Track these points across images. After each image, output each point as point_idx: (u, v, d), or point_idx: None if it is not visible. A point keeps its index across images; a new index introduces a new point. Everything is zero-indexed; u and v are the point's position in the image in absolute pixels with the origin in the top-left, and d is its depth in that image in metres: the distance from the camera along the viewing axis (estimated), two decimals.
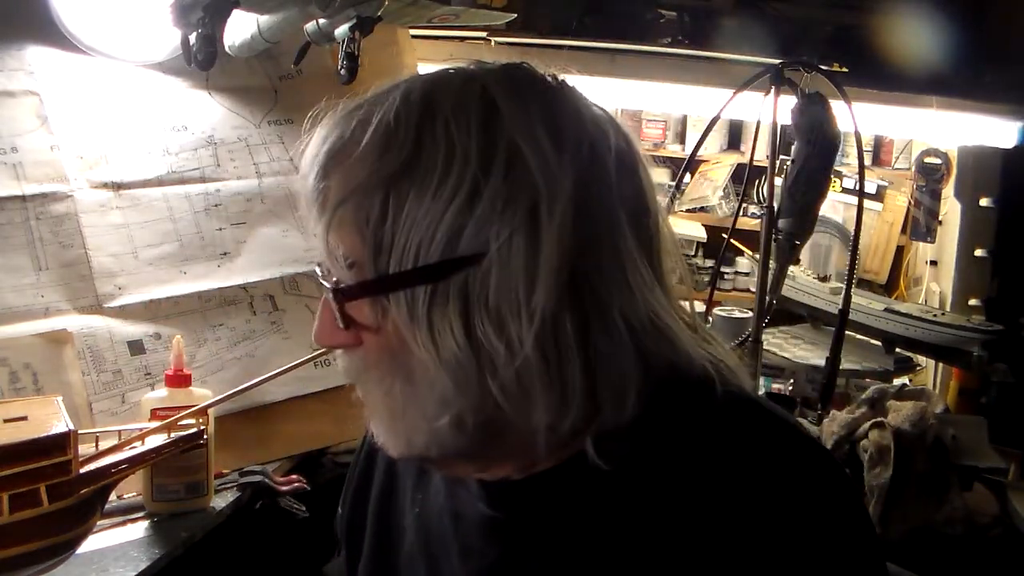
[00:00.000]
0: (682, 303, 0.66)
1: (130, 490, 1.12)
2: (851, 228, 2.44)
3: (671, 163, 3.18)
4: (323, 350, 1.27)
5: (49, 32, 1.28)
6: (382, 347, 0.61)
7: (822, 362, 1.62)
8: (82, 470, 0.89)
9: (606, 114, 0.64)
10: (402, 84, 0.62)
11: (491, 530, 0.66)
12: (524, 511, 0.65)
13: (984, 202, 2.16)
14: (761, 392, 1.68)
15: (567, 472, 0.62)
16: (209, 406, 1.07)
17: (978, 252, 2.17)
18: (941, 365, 2.14)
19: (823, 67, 1.56)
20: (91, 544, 0.97)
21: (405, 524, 0.75)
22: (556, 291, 0.55)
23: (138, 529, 1.07)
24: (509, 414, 0.58)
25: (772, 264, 1.50)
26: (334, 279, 0.62)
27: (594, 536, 0.61)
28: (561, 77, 0.65)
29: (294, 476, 1.24)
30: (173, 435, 1.01)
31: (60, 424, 0.88)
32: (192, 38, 1.24)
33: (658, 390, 0.60)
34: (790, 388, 1.96)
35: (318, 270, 0.64)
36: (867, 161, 2.77)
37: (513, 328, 0.56)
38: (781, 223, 1.48)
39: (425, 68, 1.66)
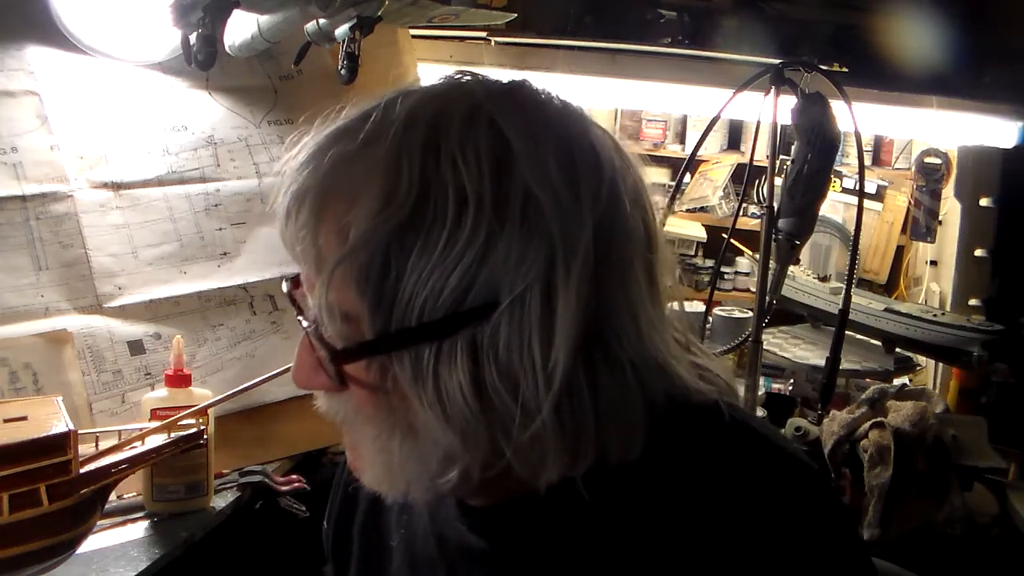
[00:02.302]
0: (672, 305, 0.63)
1: (130, 490, 1.12)
2: (851, 228, 2.44)
3: (671, 163, 3.21)
4: None
5: (49, 32, 1.28)
6: (380, 403, 0.56)
7: (822, 362, 1.62)
8: (82, 470, 0.89)
9: (607, 135, 0.59)
10: (400, 108, 0.55)
11: (476, 556, 0.65)
12: (509, 537, 0.63)
13: (984, 202, 2.15)
14: (761, 392, 1.68)
15: (554, 499, 0.59)
16: (209, 406, 1.07)
17: (978, 252, 2.16)
18: (941, 365, 2.14)
19: (823, 67, 1.56)
20: (91, 544, 0.97)
21: (391, 544, 0.73)
22: (574, 348, 0.51)
23: (138, 529, 1.07)
24: (522, 471, 0.55)
25: (772, 264, 1.50)
26: (328, 337, 0.56)
27: (580, 565, 0.60)
28: (564, 99, 0.59)
29: (294, 476, 1.24)
30: (173, 435, 1.02)
31: (60, 424, 0.88)
32: (192, 38, 1.24)
33: (655, 424, 0.57)
34: (790, 388, 1.96)
35: (303, 322, 0.57)
36: (867, 161, 2.78)
37: (528, 388, 0.52)
38: (781, 223, 1.48)
39: (425, 68, 1.67)
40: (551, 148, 0.53)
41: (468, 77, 0.59)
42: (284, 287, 0.61)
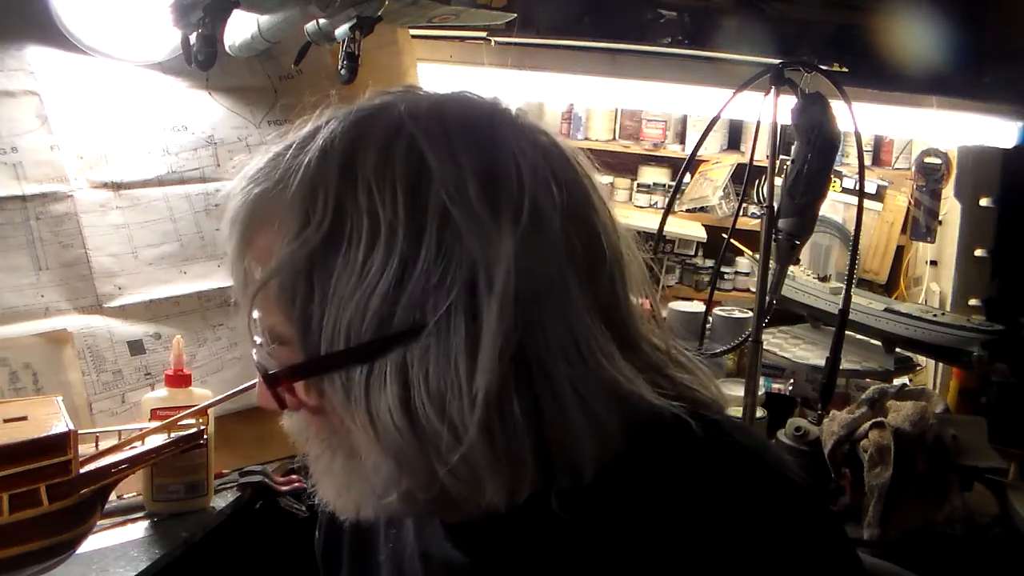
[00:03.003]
0: (652, 318, 0.62)
1: (130, 490, 1.12)
2: (851, 228, 2.44)
3: (671, 163, 3.21)
4: None
5: (49, 32, 1.28)
6: (322, 423, 0.58)
7: (822, 362, 1.62)
8: (82, 470, 0.89)
9: (551, 143, 0.58)
10: (322, 133, 0.56)
11: (458, 572, 0.64)
12: (490, 554, 0.63)
13: (984, 202, 2.15)
14: (761, 392, 1.68)
15: (528, 515, 0.58)
16: (209, 406, 1.07)
17: (978, 252, 2.16)
18: (941, 365, 2.14)
19: (823, 67, 1.56)
20: (91, 544, 0.97)
21: (380, 560, 0.73)
22: (499, 370, 0.51)
23: (138, 529, 1.07)
24: (459, 494, 0.55)
25: (772, 264, 1.50)
26: (264, 360, 0.57)
27: None
28: (504, 105, 0.59)
29: (294, 476, 1.24)
30: (173, 435, 1.02)
31: (60, 424, 0.88)
32: (192, 38, 1.24)
33: (623, 442, 0.56)
34: (790, 388, 1.96)
35: (251, 347, 0.59)
36: (867, 161, 2.78)
37: (455, 410, 0.51)
38: (781, 223, 1.48)
39: (425, 68, 1.67)
40: (471, 166, 0.53)
41: (402, 93, 0.59)
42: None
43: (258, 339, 0.57)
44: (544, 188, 0.55)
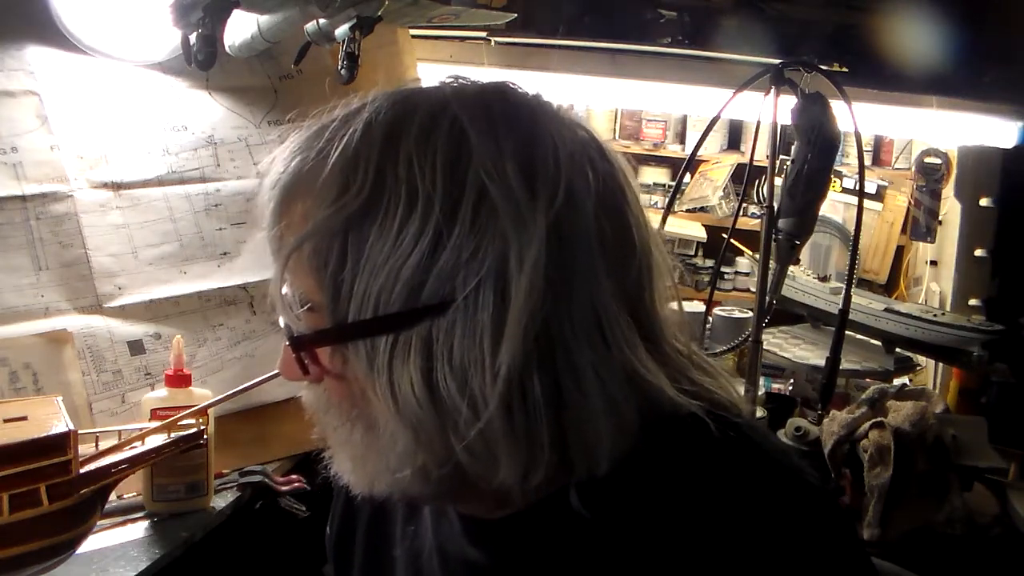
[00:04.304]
0: (670, 311, 0.62)
1: (130, 490, 1.12)
2: (851, 228, 2.44)
3: (671, 163, 3.21)
4: None
5: (49, 32, 1.28)
6: (343, 392, 0.58)
7: (822, 362, 1.62)
8: (82, 470, 0.89)
9: (591, 138, 0.59)
10: (368, 108, 0.57)
11: (476, 570, 0.64)
12: (506, 552, 0.63)
13: (984, 202, 2.15)
14: (761, 392, 1.68)
15: (546, 512, 0.59)
16: (209, 406, 1.07)
17: (978, 252, 2.16)
18: (941, 365, 2.14)
19: (823, 67, 1.56)
20: (91, 544, 0.97)
21: (395, 555, 0.73)
22: (523, 348, 0.52)
23: (138, 529, 1.07)
24: (474, 471, 0.55)
25: (772, 264, 1.50)
26: (292, 325, 0.58)
27: None
28: (544, 99, 0.60)
29: (294, 476, 1.24)
30: (173, 435, 1.02)
31: (60, 424, 0.88)
32: (192, 38, 1.24)
33: (642, 436, 0.57)
34: (790, 388, 1.96)
35: (279, 312, 0.60)
36: (867, 161, 2.78)
37: (476, 386, 0.52)
38: (781, 223, 1.48)
39: (425, 68, 1.67)
40: (511, 147, 0.54)
41: (448, 80, 0.61)
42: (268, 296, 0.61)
43: (287, 304, 0.58)
44: (580, 175, 0.56)
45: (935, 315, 2.00)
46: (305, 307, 0.57)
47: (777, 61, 1.52)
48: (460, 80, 0.61)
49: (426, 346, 0.53)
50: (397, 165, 0.53)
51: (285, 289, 0.57)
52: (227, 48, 1.34)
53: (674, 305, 0.63)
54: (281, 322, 0.59)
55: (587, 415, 0.54)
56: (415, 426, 0.54)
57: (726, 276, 3.07)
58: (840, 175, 2.72)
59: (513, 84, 0.61)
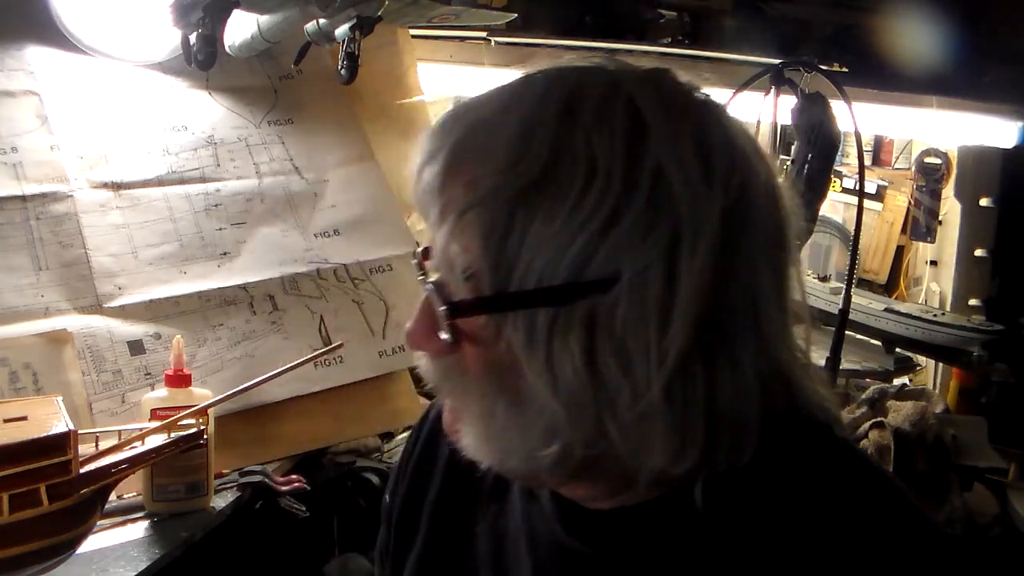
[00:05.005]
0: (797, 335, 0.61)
1: (130, 490, 1.12)
2: (851, 228, 2.44)
3: None
4: (323, 350, 1.28)
5: (49, 32, 1.28)
6: (489, 363, 0.56)
7: (822, 362, 1.62)
8: (82, 470, 0.89)
9: (748, 135, 0.58)
10: (540, 79, 0.57)
11: (570, 558, 0.63)
12: (611, 544, 0.61)
13: (984, 202, 2.16)
14: None
15: (661, 509, 0.58)
16: (209, 406, 1.07)
17: (978, 252, 2.17)
18: (941, 365, 2.14)
19: (823, 67, 1.56)
20: (91, 544, 0.97)
21: (478, 531, 0.71)
22: (690, 333, 0.51)
23: (138, 529, 1.07)
24: (621, 453, 0.54)
25: None
26: (447, 290, 0.56)
27: None
28: (706, 91, 0.59)
29: (294, 476, 1.24)
30: (173, 435, 1.01)
31: (60, 424, 0.88)
32: (192, 38, 1.24)
33: (773, 435, 0.56)
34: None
35: (424, 281, 0.58)
36: (867, 161, 2.77)
37: (640, 367, 0.51)
38: None
39: (425, 68, 1.67)
40: (687, 132, 0.53)
41: (610, 60, 0.59)
42: (414, 257, 0.61)
43: (445, 270, 0.56)
44: (751, 166, 0.55)
45: (935, 315, 2.00)
46: (467, 272, 0.54)
47: (777, 61, 1.52)
48: (616, 60, 0.59)
49: (589, 323, 0.51)
50: (574, 137, 0.52)
51: (450, 254, 0.55)
52: (227, 48, 1.34)
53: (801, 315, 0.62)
54: (432, 288, 0.57)
55: (738, 405, 0.54)
56: (568, 402, 0.53)
57: None
58: (840, 175, 2.72)
59: (673, 72, 0.60)
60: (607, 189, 0.51)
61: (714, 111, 0.57)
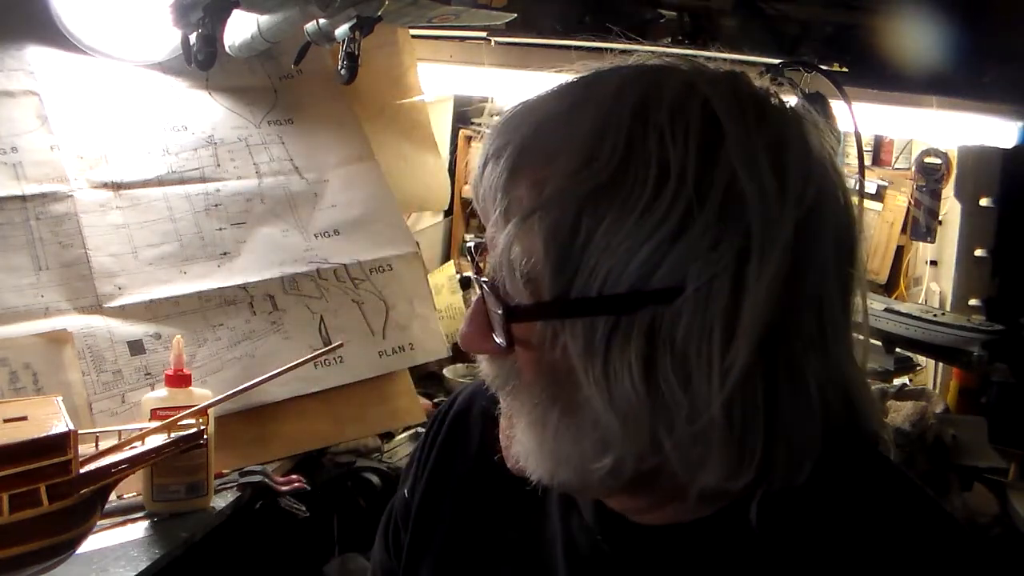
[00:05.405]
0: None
1: (130, 490, 1.12)
2: None
3: None
4: (323, 350, 1.28)
5: (49, 32, 1.28)
6: (543, 370, 0.54)
7: None
8: (82, 470, 0.89)
9: (825, 146, 0.55)
10: (612, 77, 0.54)
11: (609, 572, 0.61)
12: (656, 559, 0.59)
13: (984, 202, 2.15)
14: None
15: (713, 526, 0.56)
16: (209, 406, 1.07)
17: (978, 252, 2.16)
18: (941, 365, 2.14)
19: (823, 67, 1.56)
20: (91, 544, 0.97)
21: (509, 536, 0.69)
22: (754, 349, 0.49)
23: (138, 529, 1.07)
24: (675, 469, 0.52)
25: None
26: (504, 291, 0.54)
27: None
28: (785, 99, 0.56)
29: (294, 476, 1.24)
30: (173, 435, 1.01)
31: (60, 424, 0.88)
32: (192, 38, 1.24)
33: (832, 455, 0.54)
34: None
35: (480, 280, 0.56)
36: (867, 161, 2.77)
37: (701, 382, 0.49)
38: None
39: (425, 68, 1.67)
40: (763, 140, 0.51)
41: (686, 60, 0.57)
42: (470, 248, 0.59)
43: (505, 272, 0.53)
44: (827, 180, 0.53)
45: (935, 315, 2.00)
46: (528, 276, 0.52)
47: (777, 61, 1.52)
48: (691, 60, 0.57)
49: (649, 333, 0.49)
50: (647, 139, 0.50)
51: (511, 256, 0.52)
52: (227, 48, 1.34)
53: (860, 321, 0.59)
54: (489, 289, 0.55)
55: (801, 425, 0.52)
56: (625, 416, 0.51)
57: None
58: None
59: (747, 75, 0.57)
60: (678, 194, 0.49)
61: (792, 120, 0.55)
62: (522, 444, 0.57)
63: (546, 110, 0.54)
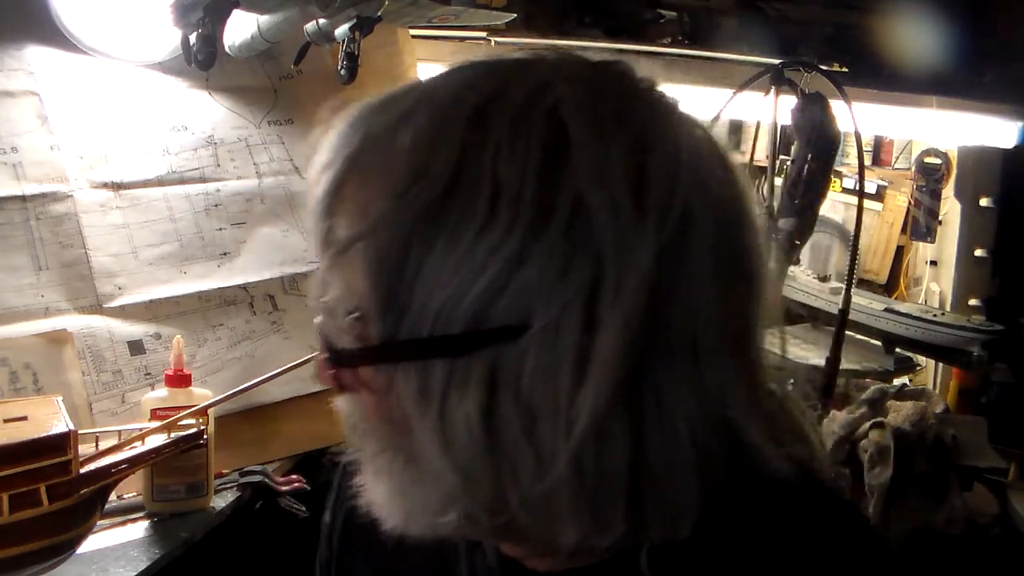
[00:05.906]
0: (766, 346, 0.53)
1: (130, 490, 1.12)
2: (851, 228, 2.44)
3: None
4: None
5: (49, 32, 1.28)
6: (384, 416, 0.49)
7: (822, 362, 1.62)
8: (82, 470, 0.89)
9: (708, 140, 0.49)
10: (456, 77, 0.48)
11: None
12: None
13: (984, 202, 2.16)
14: None
15: (609, 572, 0.51)
16: (209, 406, 1.07)
17: (978, 252, 2.17)
18: (941, 365, 2.14)
19: (823, 67, 1.56)
20: (91, 544, 0.97)
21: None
22: (608, 391, 0.42)
23: (138, 529, 1.07)
24: (529, 527, 0.47)
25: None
26: (330, 335, 0.49)
27: None
28: (661, 88, 0.50)
29: (294, 476, 1.24)
30: (173, 435, 1.02)
31: (60, 424, 0.88)
32: (192, 38, 1.24)
33: (727, 498, 0.48)
34: (790, 388, 1.96)
35: (321, 319, 0.50)
36: (867, 161, 2.77)
37: (546, 433, 0.43)
38: (781, 223, 1.49)
39: (425, 68, 1.67)
40: (620, 149, 0.44)
41: (558, 53, 0.50)
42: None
43: (331, 310, 0.49)
44: (699, 191, 0.45)
45: (935, 315, 2.00)
46: (351, 315, 0.47)
47: (777, 61, 1.52)
48: (569, 53, 0.50)
49: (489, 378, 0.43)
50: (483, 153, 0.43)
51: (332, 292, 0.48)
52: (227, 48, 1.34)
53: (774, 340, 0.53)
54: (319, 329, 0.51)
55: (673, 475, 0.45)
56: (465, 469, 0.45)
57: None
58: (840, 175, 2.72)
59: (628, 66, 0.50)
60: (515, 219, 0.42)
61: (664, 118, 0.48)
62: (373, 491, 0.52)
63: (381, 118, 0.48)
